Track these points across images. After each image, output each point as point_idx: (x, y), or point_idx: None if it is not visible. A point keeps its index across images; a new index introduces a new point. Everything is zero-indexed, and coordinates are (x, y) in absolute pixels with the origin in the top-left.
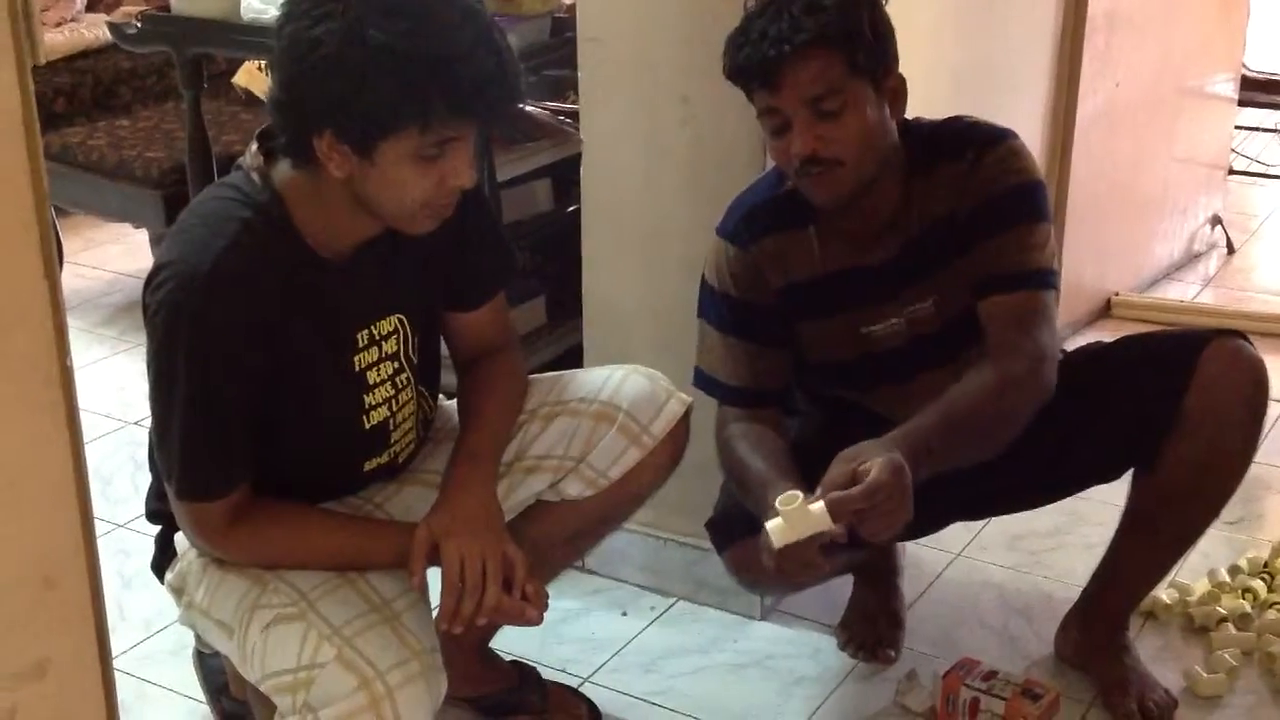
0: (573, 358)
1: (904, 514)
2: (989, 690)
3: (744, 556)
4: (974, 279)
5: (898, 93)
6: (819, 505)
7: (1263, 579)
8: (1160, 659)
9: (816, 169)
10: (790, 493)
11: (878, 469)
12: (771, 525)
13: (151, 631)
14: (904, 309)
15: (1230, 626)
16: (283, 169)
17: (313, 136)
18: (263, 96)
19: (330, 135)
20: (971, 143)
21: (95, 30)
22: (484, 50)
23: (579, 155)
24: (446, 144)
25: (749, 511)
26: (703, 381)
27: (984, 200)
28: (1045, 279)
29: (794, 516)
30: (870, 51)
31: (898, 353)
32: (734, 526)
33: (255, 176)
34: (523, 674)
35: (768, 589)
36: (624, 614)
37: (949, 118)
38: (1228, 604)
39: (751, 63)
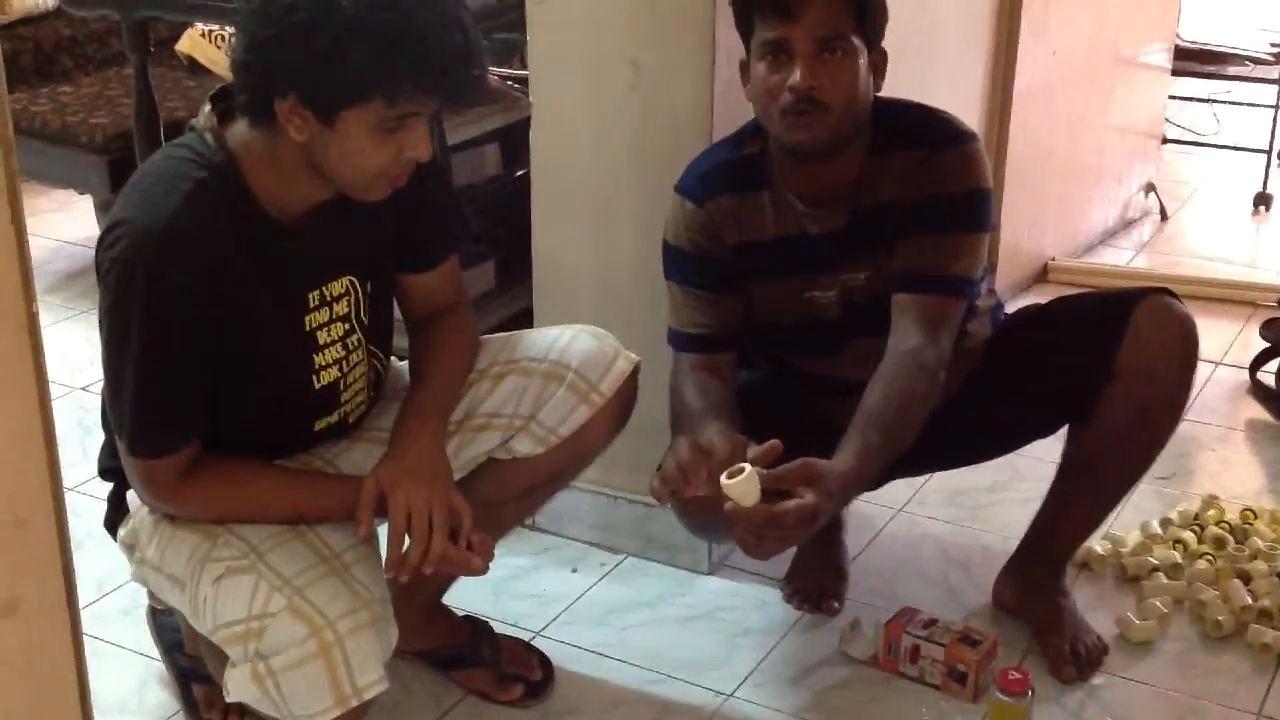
0: (522, 321)
1: (789, 545)
2: (929, 637)
3: (692, 502)
4: (900, 268)
5: (879, 66)
6: (755, 496)
7: (1193, 531)
8: (1094, 607)
9: (807, 107)
10: (751, 470)
11: (803, 505)
12: (724, 483)
13: (104, 591)
14: (840, 278)
15: (1161, 576)
16: (237, 130)
17: (275, 98)
18: (206, 64)
19: (294, 99)
20: (932, 137)
21: None
22: (453, 29)
23: (528, 119)
24: (406, 117)
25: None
26: (672, 339)
27: (931, 196)
28: (963, 288)
29: (740, 484)
30: (875, 15)
31: (832, 321)
32: None
33: (209, 137)
34: (476, 628)
35: (714, 535)
36: (574, 570)
37: (918, 104)
38: (1159, 554)
39: None
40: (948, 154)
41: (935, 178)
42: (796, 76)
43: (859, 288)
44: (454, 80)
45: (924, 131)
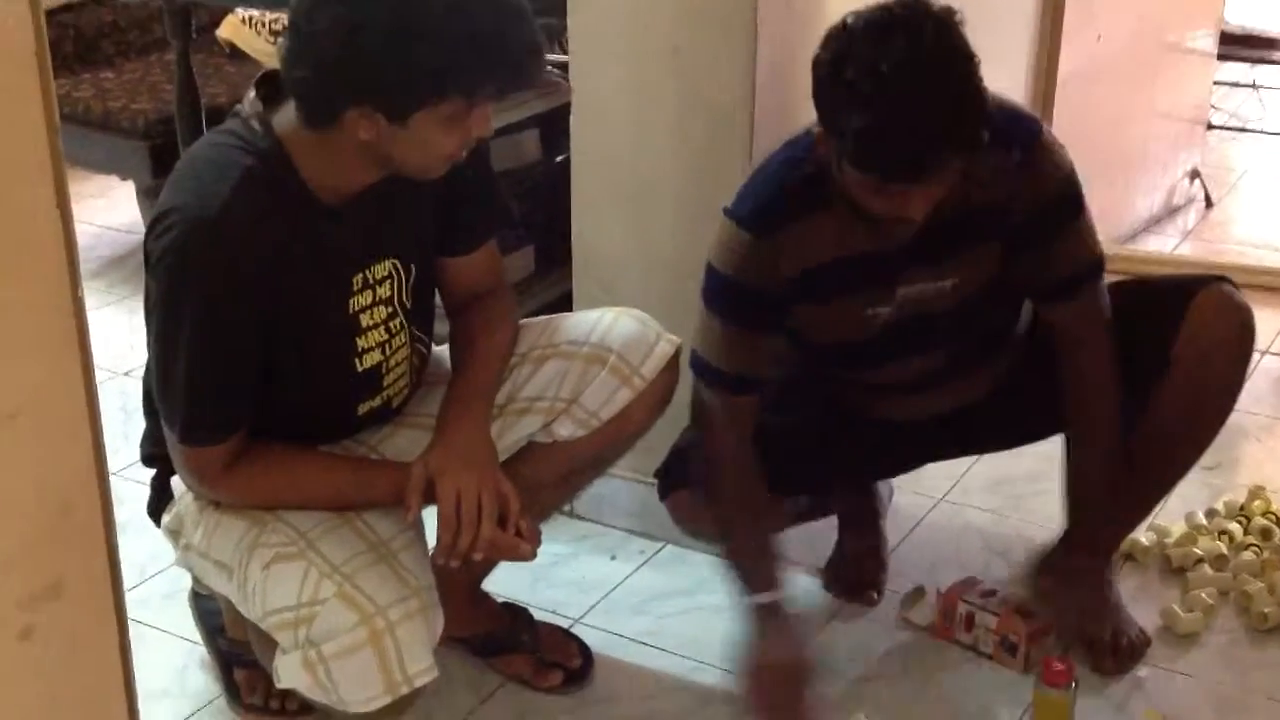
0: (561, 306)
1: None
2: (984, 606)
3: (682, 504)
4: (1033, 281)
5: None
6: None
7: (1238, 522)
8: (1138, 599)
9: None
10: None
11: None
12: None
13: (146, 576)
14: (915, 287)
15: (1206, 567)
16: (284, 116)
17: (346, 111)
18: (246, 50)
19: (367, 108)
20: (1015, 138)
21: None
22: (520, 20)
23: (567, 105)
24: (476, 104)
25: (689, 460)
26: (698, 366)
27: (1037, 206)
28: (1097, 268)
29: None
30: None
31: (905, 330)
32: (674, 474)
33: (256, 123)
34: (514, 614)
35: (707, 538)
36: (613, 558)
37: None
38: (1204, 546)
39: (900, 164)
40: (1036, 157)
41: (1035, 186)
42: (913, 210)
43: (942, 297)
44: (528, 73)
45: (1005, 133)
